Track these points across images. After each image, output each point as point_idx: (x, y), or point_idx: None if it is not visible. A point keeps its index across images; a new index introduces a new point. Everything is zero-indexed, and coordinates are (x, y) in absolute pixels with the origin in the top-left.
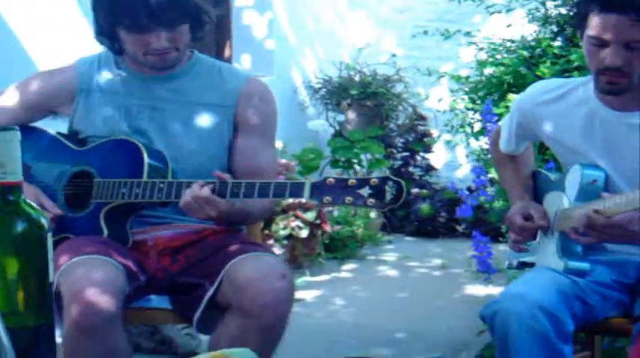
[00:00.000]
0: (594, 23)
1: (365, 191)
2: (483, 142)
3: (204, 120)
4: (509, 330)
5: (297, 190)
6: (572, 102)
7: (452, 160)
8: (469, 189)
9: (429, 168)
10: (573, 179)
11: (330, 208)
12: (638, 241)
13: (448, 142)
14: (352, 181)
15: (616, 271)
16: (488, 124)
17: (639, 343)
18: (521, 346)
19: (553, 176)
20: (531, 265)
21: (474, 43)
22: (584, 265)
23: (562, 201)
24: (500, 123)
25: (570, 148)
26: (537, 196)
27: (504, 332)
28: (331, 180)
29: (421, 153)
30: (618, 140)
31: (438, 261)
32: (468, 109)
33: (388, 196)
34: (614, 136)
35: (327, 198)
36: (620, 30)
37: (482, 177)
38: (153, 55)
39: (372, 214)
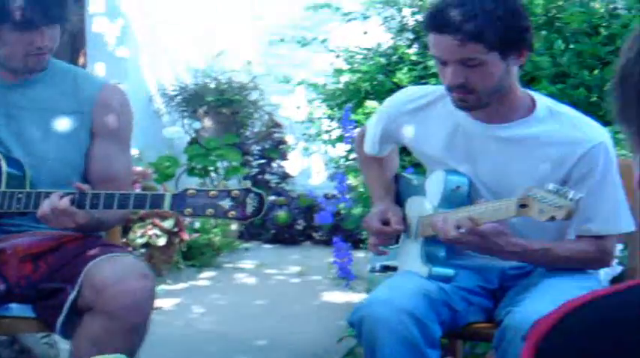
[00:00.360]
0: (431, 43)
1: (226, 203)
2: (341, 150)
3: (61, 127)
4: (376, 336)
5: (157, 202)
6: (437, 112)
7: (307, 168)
8: (326, 196)
9: (285, 176)
10: (436, 184)
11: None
12: (499, 254)
13: (306, 150)
14: (213, 193)
15: (480, 277)
16: (346, 132)
17: (528, 345)
18: (388, 352)
19: (416, 180)
20: (394, 269)
21: (333, 51)
22: (449, 271)
23: (425, 207)
24: (365, 124)
25: (433, 157)
26: (400, 200)
27: (372, 338)
28: (192, 191)
29: (277, 161)
30: (482, 152)
31: (296, 268)
32: (325, 117)
33: (250, 208)
34: (478, 148)
35: (188, 210)
36: (451, 50)
37: (343, 184)
38: (33, 56)
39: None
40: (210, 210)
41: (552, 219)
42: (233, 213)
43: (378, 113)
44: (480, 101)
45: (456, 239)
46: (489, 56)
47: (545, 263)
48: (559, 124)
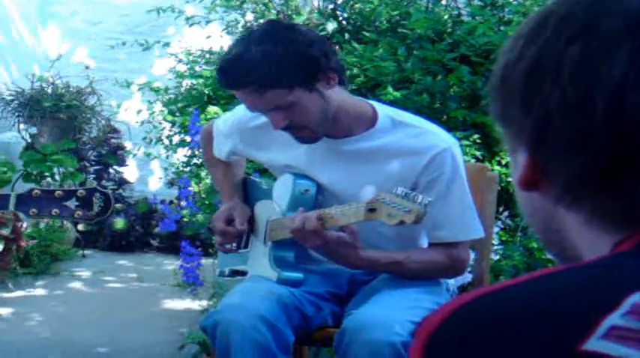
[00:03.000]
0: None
1: (72, 203)
2: (182, 155)
3: None
4: (230, 341)
5: (2, 202)
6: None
7: (145, 174)
8: (163, 201)
9: (122, 182)
10: (285, 188)
11: (26, 223)
12: (344, 264)
13: (148, 155)
14: (59, 193)
15: (329, 282)
16: (193, 136)
17: (417, 342)
18: (242, 356)
19: (265, 184)
20: (244, 273)
21: (174, 55)
22: (298, 275)
23: (274, 210)
24: (213, 124)
25: (282, 168)
26: (249, 204)
27: (226, 343)
28: (37, 191)
29: (115, 167)
30: (329, 166)
31: (133, 275)
32: (167, 121)
33: (96, 208)
34: (326, 162)
35: (33, 210)
36: (254, 101)
37: (187, 188)
38: None
39: (67, 227)
40: (55, 210)
41: (402, 223)
42: (79, 213)
43: (227, 125)
44: (316, 134)
45: (301, 231)
46: (294, 95)
47: (397, 275)
48: (402, 134)
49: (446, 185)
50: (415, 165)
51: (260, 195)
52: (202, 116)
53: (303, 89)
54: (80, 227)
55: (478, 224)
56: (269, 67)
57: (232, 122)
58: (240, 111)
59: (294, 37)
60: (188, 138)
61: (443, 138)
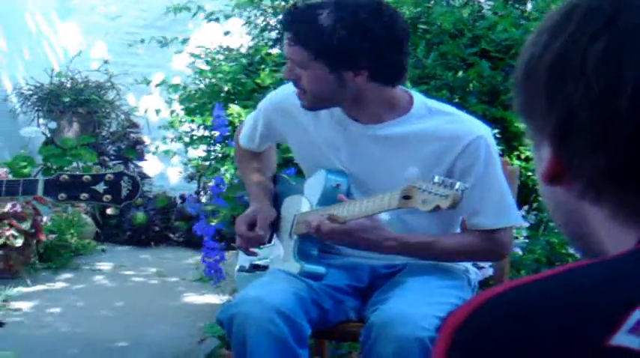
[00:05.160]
0: None
1: (100, 187)
2: (201, 150)
3: None
4: (247, 334)
5: (30, 188)
6: (320, 112)
7: (164, 169)
8: (182, 197)
9: (141, 176)
10: (317, 183)
11: (45, 217)
12: (376, 250)
13: (167, 152)
14: (87, 177)
15: (350, 275)
16: (219, 130)
17: (442, 336)
18: (258, 350)
19: (294, 181)
20: (264, 268)
21: (196, 56)
22: (320, 268)
23: (302, 205)
24: (244, 120)
25: (315, 156)
26: (278, 200)
27: (242, 336)
28: (65, 176)
29: (134, 161)
30: (361, 151)
31: (153, 270)
32: (188, 121)
33: (124, 192)
34: (358, 147)
35: (61, 195)
36: (286, 47)
37: (220, 186)
38: None
39: (87, 221)
40: (84, 195)
41: (437, 208)
42: (108, 196)
43: (260, 108)
44: (311, 104)
45: (325, 236)
46: (314, 64)
47: (429, 257)
48: (437, 121)
49: (482, 173)
50: (449, 151)
51: (290, 192)
52: (223, 114)
53: (326, 65)
54: (110, 211)
55: (516, 211)
56: (316, 32)
57: (267, 103)
58: (276, 92)
59: (362, 23)
60: (206, 133)
61: (478, 126)
